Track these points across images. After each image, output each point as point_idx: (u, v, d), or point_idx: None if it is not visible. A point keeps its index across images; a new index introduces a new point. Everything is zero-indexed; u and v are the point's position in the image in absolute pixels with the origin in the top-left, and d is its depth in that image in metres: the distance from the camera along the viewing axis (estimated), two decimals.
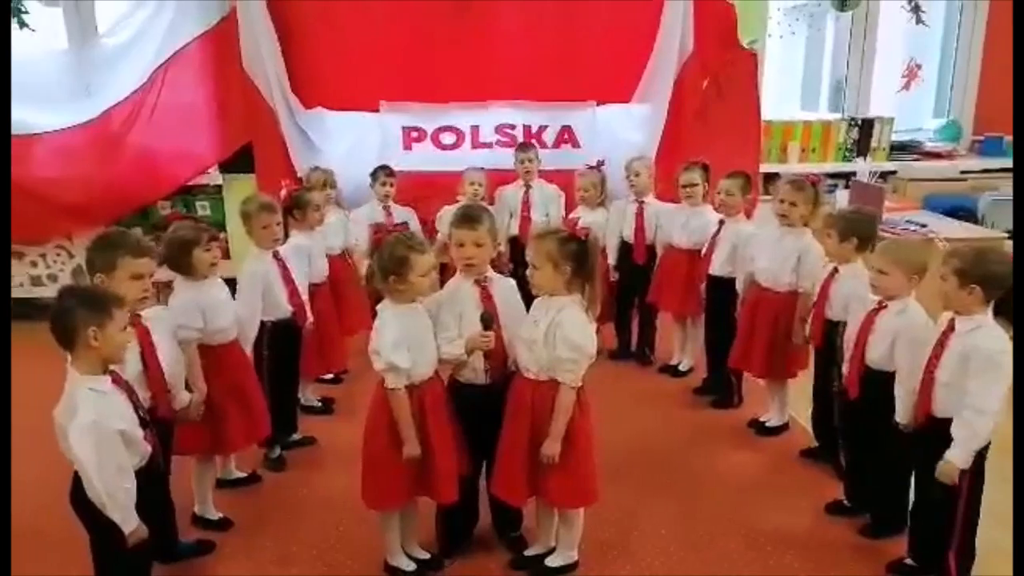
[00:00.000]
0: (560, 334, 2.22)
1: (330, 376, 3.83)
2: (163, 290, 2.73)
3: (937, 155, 5.56)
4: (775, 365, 3.28)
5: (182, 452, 2.59)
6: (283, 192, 3.36)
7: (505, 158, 4.62)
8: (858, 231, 2.83)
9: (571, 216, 3.82)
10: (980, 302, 2.18)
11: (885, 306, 2.51)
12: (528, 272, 2.32)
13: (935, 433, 2.26)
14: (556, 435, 2.25)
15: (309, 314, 3.15)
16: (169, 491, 2.45)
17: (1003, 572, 2.31)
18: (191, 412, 2.48)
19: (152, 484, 2.05)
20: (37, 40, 4.60)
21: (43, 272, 4.81)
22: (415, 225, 4.07)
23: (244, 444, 2.79)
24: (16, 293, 4.79)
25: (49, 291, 4.65)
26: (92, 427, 1.87)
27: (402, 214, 4.17)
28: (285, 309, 3.02)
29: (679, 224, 3.87)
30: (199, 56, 4.63)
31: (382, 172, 4.20)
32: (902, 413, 2.40)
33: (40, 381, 2.13)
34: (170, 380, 2.35)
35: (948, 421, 2.21)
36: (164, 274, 2.56)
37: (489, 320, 2.33)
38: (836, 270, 2.90)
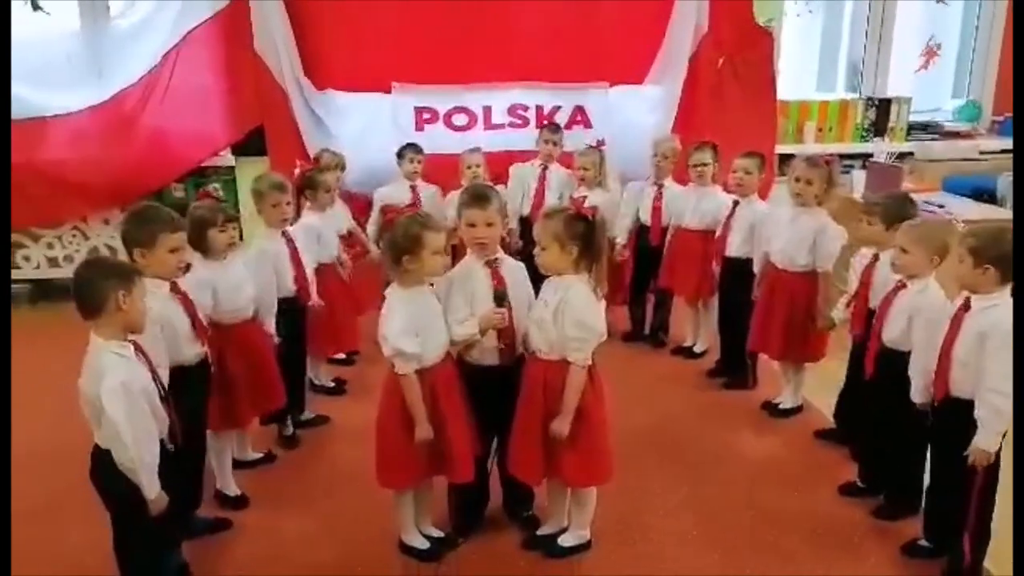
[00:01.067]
0: (568, 313, 2.21)
1: (343, 356, 3.85)
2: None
3: (956, 135, 5.48)
4: (792, 347, 3.27)
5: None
6: (296, 172, 3.36)
7: (517, 139, 4.60)
8: (901, 214, 2.67)
9: (577, 196, 3.79)
10: (995, 282, 2.14)
11: (905, 285, 2.48)
12: (535, 252, 2.31)
13: (952, 413, 2.24)
14: (566, 413, 2.25)
15: (314, 294, 3.16)
16: (201, 463, 2.53)
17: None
18: None
19: (168, 457, 2.08)
20: (50, 21, 4.61)
21: (60, 254, 4.85)
22: (441, 202, 4.08)
23: (256, 414, 2.87)
24: (33, 275, 4.85)
25: (65, 272, 4.69)
26: (122, 388, 1.91)
27: (428, 192, 4.18)
28: (289, 288, 3.04)
29: (690, 206, 3.85)
30: (211, 38, 4.63)
31: (409, 149, 4.19)
32: (917, 392, 2.38)
33: (59, 360, 2.15)
34: None
35: (965, 402, 2.19)
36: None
37: (503, 297, 2.33)
38: (876, 257, 2.79)
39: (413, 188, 4.17)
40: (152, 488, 1.98)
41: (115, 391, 1.90)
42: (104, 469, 1.97)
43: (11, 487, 2.37)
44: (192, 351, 2.40)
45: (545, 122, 4.64)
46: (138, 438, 1.94)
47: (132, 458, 1.93)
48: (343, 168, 4.01)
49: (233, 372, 2.62)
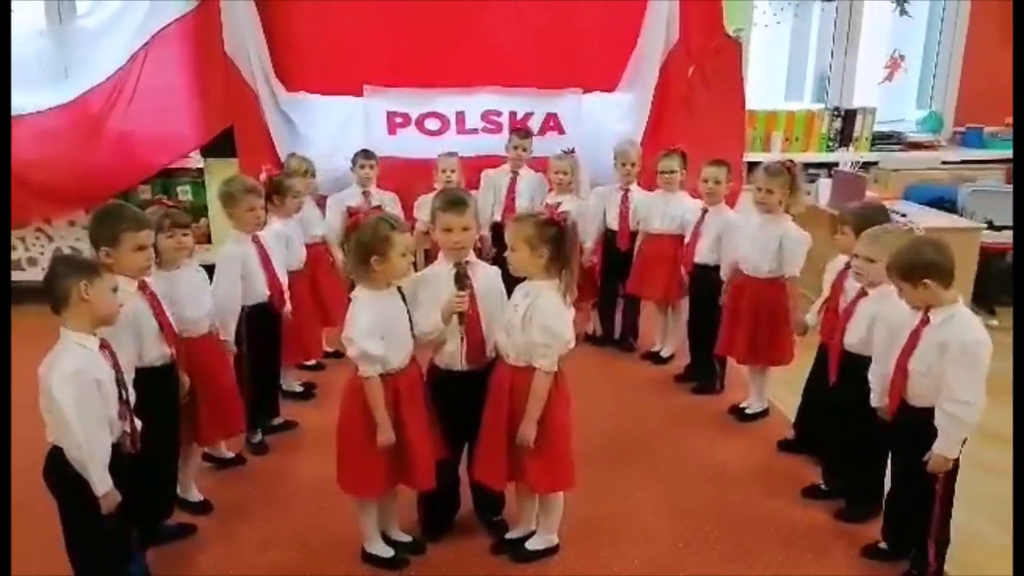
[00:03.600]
0: (536, 318, 2.23)
1: (312, 362, 3.82)
2: None
3: (919, 146, 5.60)
4: (758, 351, 3.32)
5: None
6: (263, 176, 3.32)
7: (490, 144, 4.61)
8: (870, 224, 2.69)
9: (551, 201, 3.82)
10: (939, 291, 2.16)
11: (866, 293, 2.53)
12: (507, 254, 2.32)
13: (912, 422, 2.27)
14: (531, 419, 2.26)
15: (287, 300, 3.14)
16: (173, 469, 2.52)
17: (975, 554, 2.36)
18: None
19: (128, 464, 2.06)
20: (16, 20, 4.53)
21: (23, 256, 4.74)
22: (397, 210, 4.06)
23: (216, 439, 2.84)
24: None
25: (29, 275, 4.59)
26: (74, 375, 1.90)
27: (383, 199, 4.15)
28: (263, 294, 3.00)
29: (658, 211, 3.90)
30: (180, 37, 4.56)
31: (361, 155, 4.17)
32: (876, 397, 2.42)
33: (22, 363, 2.12)
34: None
35: (925, 410, 2.22)
36: None
37: (463, 278, 2.32)
38: (849, 265, 2.80)
39: (366, 194, 4.10)
40: (103, 484, 1.95)
41: (66, 377, 1.89)
42: (56, 466, 1.95)
43: (11, 488, 2.34)
44: (158, 351, 2.37)
45: (516, 127, 4.65)
46: (88, 428, 1.92)
47: (80, 446, 1.91)
48: (312, 174, 3.94)
49: (190, 390, 2.54)
